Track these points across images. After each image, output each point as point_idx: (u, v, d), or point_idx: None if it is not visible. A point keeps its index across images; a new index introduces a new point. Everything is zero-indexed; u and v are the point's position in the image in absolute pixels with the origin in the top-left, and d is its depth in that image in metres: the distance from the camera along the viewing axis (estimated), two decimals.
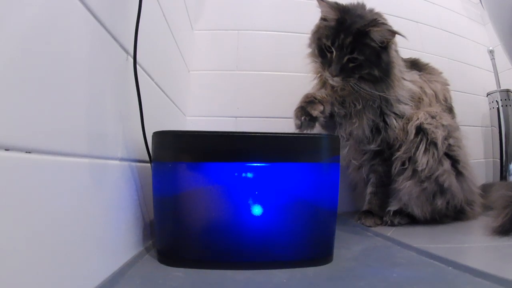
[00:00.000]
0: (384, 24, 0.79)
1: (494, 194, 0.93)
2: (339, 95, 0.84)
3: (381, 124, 0.85)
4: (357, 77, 0.79)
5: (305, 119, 0.79)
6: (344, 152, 0.91)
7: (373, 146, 0.86)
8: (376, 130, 0.85)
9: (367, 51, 0.77)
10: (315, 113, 0.80)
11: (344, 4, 0.83)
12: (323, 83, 0.88)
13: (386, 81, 0.81)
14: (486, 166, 1.37)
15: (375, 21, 0.78)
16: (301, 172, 0.52)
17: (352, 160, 0.91)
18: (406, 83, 0.87)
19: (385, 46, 0.79)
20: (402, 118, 0.86)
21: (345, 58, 0.78)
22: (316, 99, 0.82)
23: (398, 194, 0.84)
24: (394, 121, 0.85)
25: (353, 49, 0.77)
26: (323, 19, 0.83)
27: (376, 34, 0.76)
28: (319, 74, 0.89)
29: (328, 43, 0.80)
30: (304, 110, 0.80)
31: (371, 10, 0.83)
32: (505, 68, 1.39)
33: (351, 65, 0.79)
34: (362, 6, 0.83)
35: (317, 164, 0.53)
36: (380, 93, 0.81)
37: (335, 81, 0.80)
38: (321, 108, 0.81)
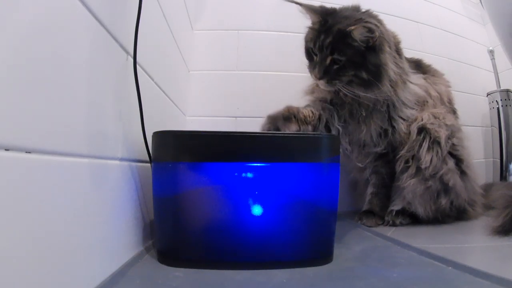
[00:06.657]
0: (367, 22, 0.73)
1: (495, 193, 0.93)
2: (345, 103, 0.82)
3: (389, 129, 0.83)
4: (344, 79, 0.77)
5: (269, 129, 0.76)
6: (352, 156, 0.89)
7: (379, 149, 0.85)
8: (384, 134, 0.84)
9: (349, 51, 0.74)
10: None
11: (330, 7, 0.82)
12: (316, 89, 0.87)
13: (377, 85, 0.76)
14: (486, 166, 1.37)
15: (359, 20, 0.73)
16: (301, 172, 0.52)
17: (357, 163, 0.90)
18: (412, 87, 0.86)
19: (373, 47, 0.74)
20: (408, 121, 0.85)
21: (328, 60, 0.76)
22: (295, 117, 0.78)
23: (401, 192, 0.83)
24: (401, 125, 0.84)
25: (333, 49, 0.75)
26: (311, 24, 0.83)
27: (356, 33, 0.72)
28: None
29: (311, 45, 0.79)
30: (274, 124, 0.76)
31: (364, 12, 0.80)
32: (505, 68, 1.39)
33: (335, 67, 0.76)
34: (355, 8, 0.80)
35: (317, 164, 0.53)
36: (376, 96, 0.78)
37: (321, 84, 0.79)
38: (295, 128, 0.77)
